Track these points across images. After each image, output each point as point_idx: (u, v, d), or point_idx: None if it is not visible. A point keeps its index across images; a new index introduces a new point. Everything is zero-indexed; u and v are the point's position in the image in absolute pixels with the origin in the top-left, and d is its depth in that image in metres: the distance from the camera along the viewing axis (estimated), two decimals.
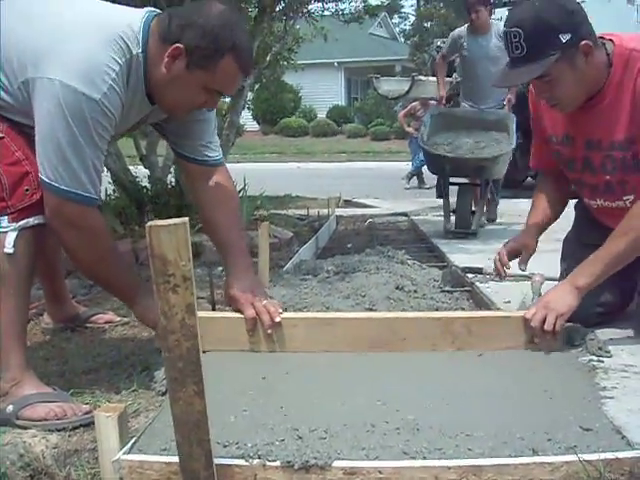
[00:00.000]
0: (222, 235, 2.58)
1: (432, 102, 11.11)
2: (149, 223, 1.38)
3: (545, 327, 2.37)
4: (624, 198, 2.58)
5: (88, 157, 2.08)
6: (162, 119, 2.49)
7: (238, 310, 2.47)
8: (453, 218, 5.79)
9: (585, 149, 2.59)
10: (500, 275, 2.94)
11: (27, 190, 2.10)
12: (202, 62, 2.17)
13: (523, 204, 6.08)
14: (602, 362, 2.33)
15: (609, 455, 1.58)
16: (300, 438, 1.73)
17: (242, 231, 2.72)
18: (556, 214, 2.90)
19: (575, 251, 2.86)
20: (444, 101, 6.34)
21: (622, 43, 2.45)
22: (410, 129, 13.03)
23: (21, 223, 2.09)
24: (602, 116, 2.49)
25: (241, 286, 2.48)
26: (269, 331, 2.43)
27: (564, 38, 2.33)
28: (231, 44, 2.17)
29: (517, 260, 2.91)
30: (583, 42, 2.35)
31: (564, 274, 2.74)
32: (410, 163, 13.63)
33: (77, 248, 2.21)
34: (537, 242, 2.87)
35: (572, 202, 2.95)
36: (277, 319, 2.42)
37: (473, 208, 5.96)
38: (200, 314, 1.49)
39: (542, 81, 2.44)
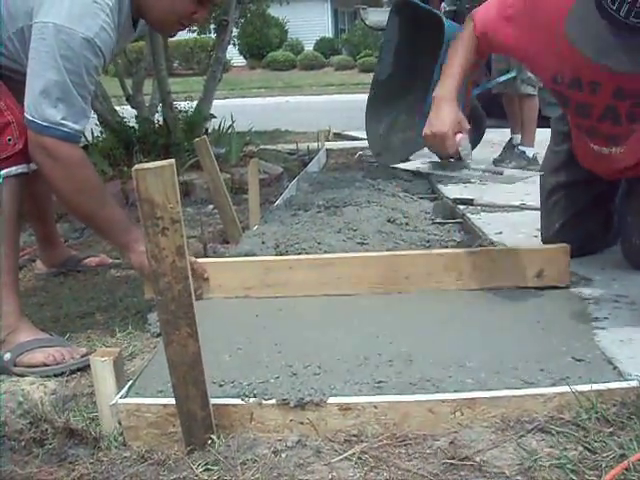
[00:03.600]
0: None
1: None
2: (135, 166, 1.37)
3: None
4: None
5: (74, 96, 2.12)
6: None
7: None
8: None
9: (612, 97, 2.25)
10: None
11: (10, 140, 2.11)
12: None
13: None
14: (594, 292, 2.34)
15: (601, 386, 1.59)
16: (295, 375, 1.75)
17: None
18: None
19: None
20: None
21: None
22: None
23: (4, 172, 2.09)
24: None
25: None
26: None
27: None
28: None
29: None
30: None
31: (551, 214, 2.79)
32: None
33: (56, 179, 2.18)
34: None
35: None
36: (205, 275, 2.42)
37: None
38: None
39: None
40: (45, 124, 2.09)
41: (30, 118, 2.10)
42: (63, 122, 2.11)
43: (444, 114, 2.35)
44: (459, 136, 2.35)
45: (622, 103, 2.26)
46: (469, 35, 2.48)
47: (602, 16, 1.83)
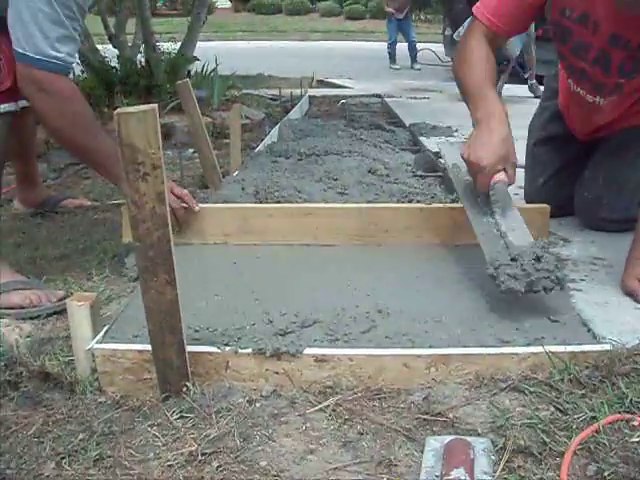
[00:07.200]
0: None
1: None
2: (117, 110, 1.34)
3: None
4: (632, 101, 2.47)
5: (67, 27, 2.07)
6: None
7: None
8: None
9: (608, 42, 2.23)
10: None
11: None
12: None
13: None
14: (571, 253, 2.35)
15: (575, 348, 1.61)
16: (271, 322, 1.75)
17: None
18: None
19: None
20: None
21: None
22: (390, 9, 12.78)
23: None
24: None
25: None
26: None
27: None
28: None
29: None
30: None
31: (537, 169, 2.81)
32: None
33: (48, 113, 2.13)
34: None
35: None
36: (196, 208, 2.40)
37: None
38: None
39: None
40: (37, 57, 2.03)
41: (21, 51, 2.03)
42: (56, 54, 2.06)
43: (494, 139, 2.03)
44: (498, 177, 2.02)
45: (615, 51, 2.24)
46: (478, 35, 2.32)
47: None
